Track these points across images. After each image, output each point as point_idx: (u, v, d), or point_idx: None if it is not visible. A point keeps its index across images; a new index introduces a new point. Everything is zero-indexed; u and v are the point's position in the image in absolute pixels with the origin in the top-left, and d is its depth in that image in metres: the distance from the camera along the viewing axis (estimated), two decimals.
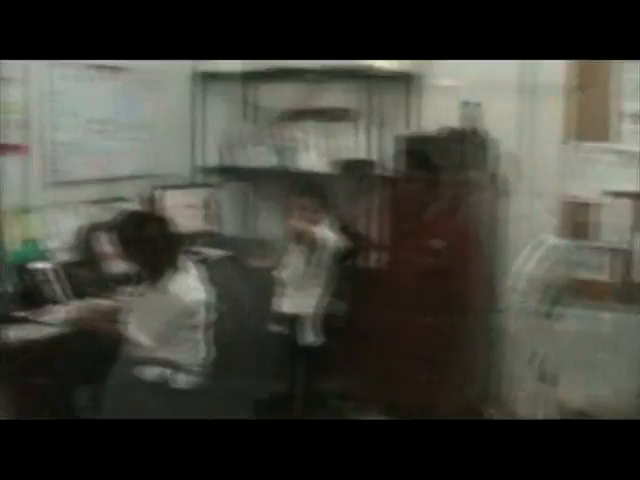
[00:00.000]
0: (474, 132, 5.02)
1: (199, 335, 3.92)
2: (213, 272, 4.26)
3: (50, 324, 3.94)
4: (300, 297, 4.57)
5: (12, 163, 4.26)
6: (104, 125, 4.94)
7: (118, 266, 4.46)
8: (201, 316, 3.92)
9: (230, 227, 5.89)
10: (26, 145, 4.42)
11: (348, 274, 4.67)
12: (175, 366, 3.74)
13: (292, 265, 4.68)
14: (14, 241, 4.32)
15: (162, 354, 3.77)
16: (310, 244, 4.46)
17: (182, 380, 3.80)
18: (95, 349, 3.92)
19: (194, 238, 5.37)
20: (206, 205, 5.52)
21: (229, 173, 5.89)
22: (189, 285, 3.89)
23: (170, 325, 3.79)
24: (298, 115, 5.65)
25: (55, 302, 4.24)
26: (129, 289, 4.18)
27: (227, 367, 3.83)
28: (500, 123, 5.06)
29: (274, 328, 4.42)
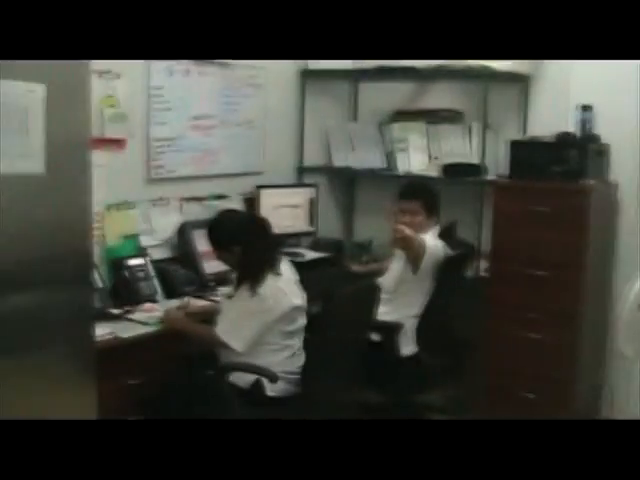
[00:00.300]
0: (587, 137, 4.84)
1: (294, 341, 3.83)
2: (310, 275, 4.15)
3: (144, 322, 3.88)
4: (400, 305, 4.42)
5: (111, 158, 4.21)
6: (206, 121, 4.86)
7: (214, 266, 4.38)
8: (296, 322, 3.82)
9: (331, 229, 5.78)
10: (126, 140, 4.37)
11: (452, 283, 4.50)
12: (268, 373, 3.63)
13: (394, 271, 4.53)
14: (111, 236, 4.30)
15: (255, 360, 3.68)
16: (413, 250, 4.30)
17: (276, 388, 3.69)
18: (188, 350, 3.85)
19: (293, 239, 5.30)
20: (307, 206, 5.41)
21: (332, 173, 5.81)
22: (285, 289, 3.80)
23: (264, 330, 3.69)
24: (405, 115, 5.53)
25: (150, 300, 4.20)
26: (224, 290, 4.10)
27: (322, 375, 3.72)
28: (614, 127, 4.87)
29: (372, 336, 4.29)
